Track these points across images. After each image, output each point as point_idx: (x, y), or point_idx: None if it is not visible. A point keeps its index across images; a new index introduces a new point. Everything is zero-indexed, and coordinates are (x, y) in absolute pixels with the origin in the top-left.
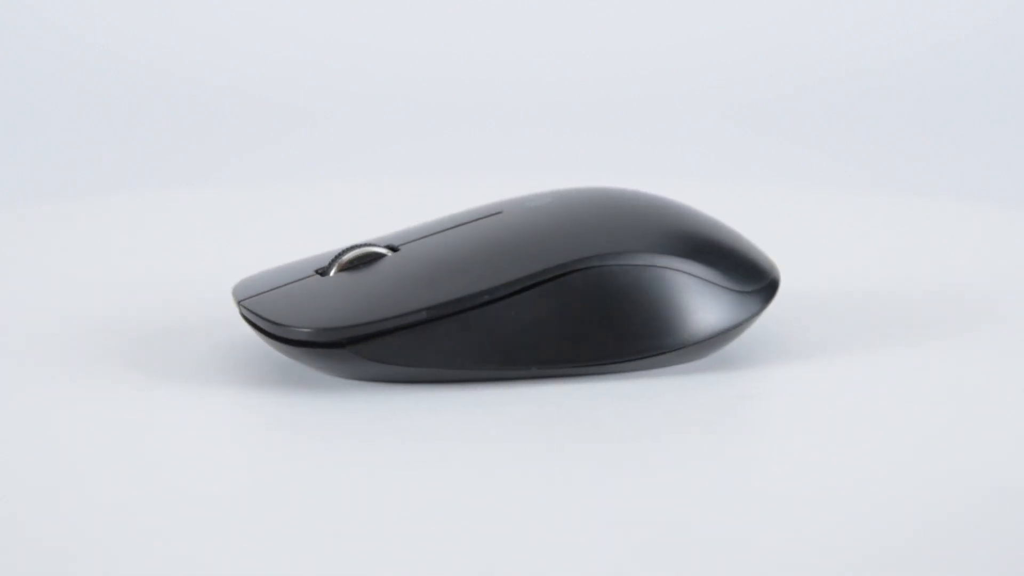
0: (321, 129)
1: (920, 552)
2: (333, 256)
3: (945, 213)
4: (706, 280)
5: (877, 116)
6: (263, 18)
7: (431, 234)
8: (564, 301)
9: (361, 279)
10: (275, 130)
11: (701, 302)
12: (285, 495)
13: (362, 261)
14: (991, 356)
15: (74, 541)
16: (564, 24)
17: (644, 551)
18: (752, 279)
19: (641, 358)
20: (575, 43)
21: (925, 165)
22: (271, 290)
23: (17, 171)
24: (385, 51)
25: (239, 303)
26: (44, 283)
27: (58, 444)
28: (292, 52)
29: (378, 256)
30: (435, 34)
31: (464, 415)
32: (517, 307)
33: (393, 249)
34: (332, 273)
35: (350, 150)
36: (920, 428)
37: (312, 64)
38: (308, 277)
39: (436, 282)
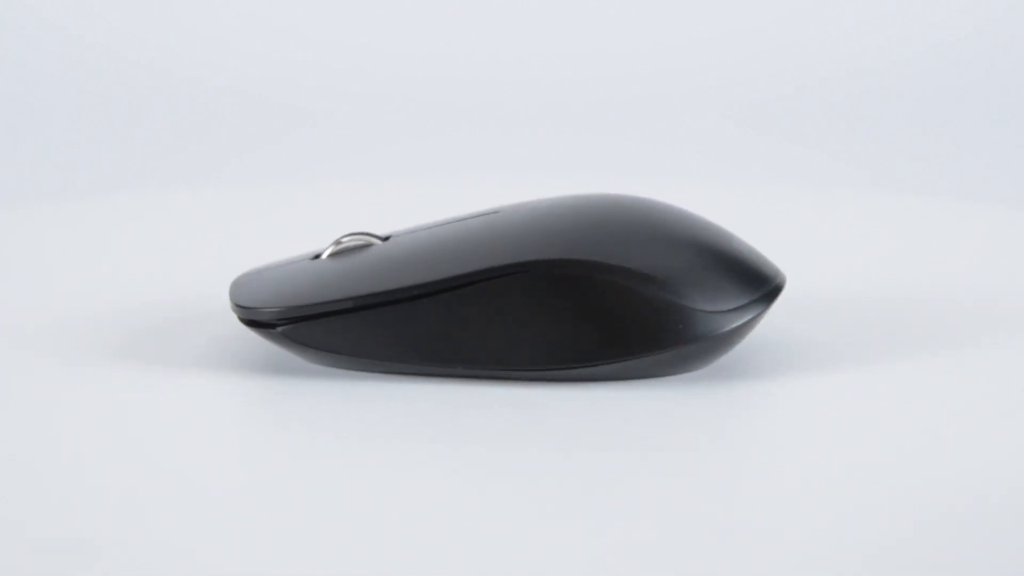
0: (321, 129)
1: (924, 559)
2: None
3: (945, 213)
4: (654, 296)
5: (877, 116)
6: (263, 18)
7: (425, 228)
8: (498, 303)
9: (331, 265)
10: (275, 130)
11: (645, 317)
12: (278, 484)
13: (353, 248)
14: (993, 359)
15: (71, 529)
16: (564, 24)
17: (633, 560)
18: (722, 299)
19: (568, 368)
20: (575, 43)
21: (925, 165)
22: (259, 272)
23: (17, 171)
24: (385, 51)
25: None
26: (42, 282)
27: (56, 433)
28: (292, 52)
29: (368, 244)
30: (435, 34)
31: (466, 412)
32: (448, 305)
33: (385, 239)
34: (323, 257)
35: (350, 150)
36: (923, 435)
37: (312, 64)
38: (300, 262)
39: (379, 273)
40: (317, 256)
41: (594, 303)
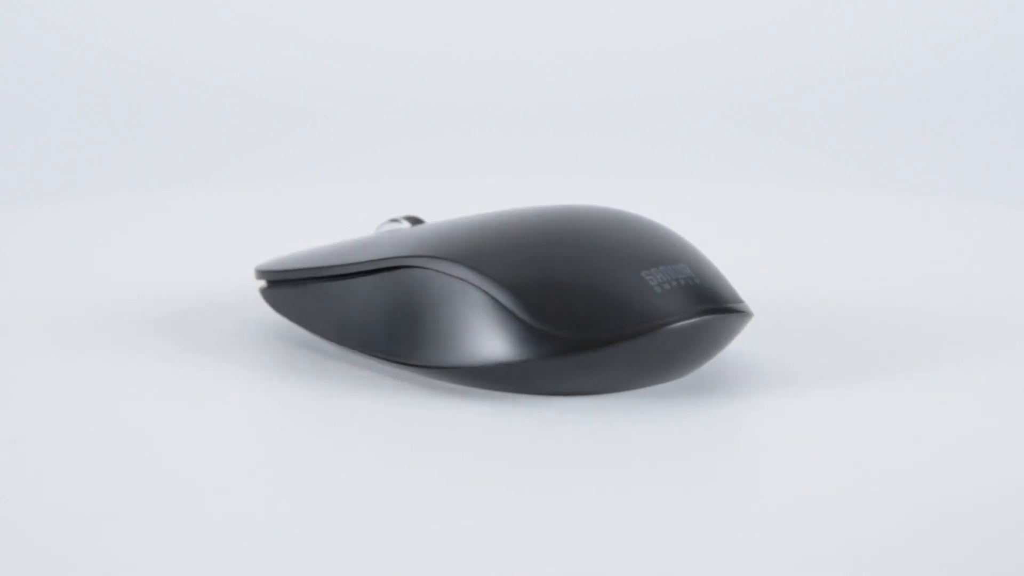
0: (321, 129)
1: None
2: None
3: (945, 213)
4: (503, 306)
5: (877, 116)
6: (263, 18)
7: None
8: (389, 293)
9: (332, 243)
10: (275, 130)
11: (488, 327)
12: (278, 481)
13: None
14: (992, 366)
15: (76, 522)
16: (564, 24)
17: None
18: (594, 323)
19: (426, 367)
20: (575, 43)
21: (925, 165)
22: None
23: (20, 171)
24: (385, 51)
25: None
26: (39, 281)
27: (55, 427)
28: (292, 52)
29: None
30: (435, 34)
31: (480, 419)
32: (356, 289)
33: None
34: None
35: (350, 150)
36: (920, 445)
37: (312, 64)
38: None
39: (337, 252)
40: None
41: (455, 305)
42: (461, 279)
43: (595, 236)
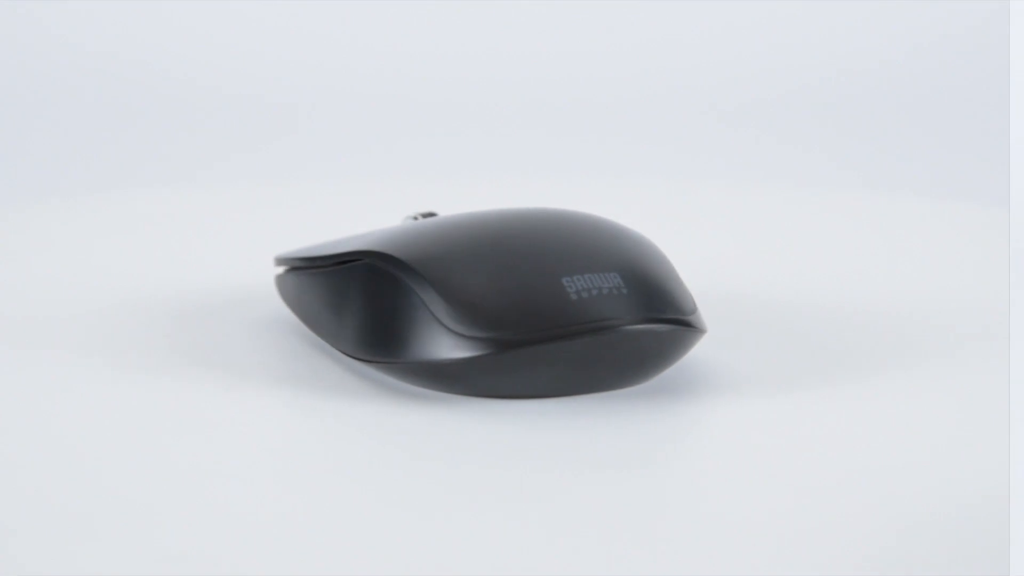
0: (320, 129)
1: None
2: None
3: (947, 213)
4: (427, 307)
5: (877, 116)
6: (263, 18)
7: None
8: (342, 286)
9: (349, 236)
10: (275, 131)
11: (415, 325)
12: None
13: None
14: (961, 368)
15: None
16: (564, 24)
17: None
18: (483, 325)
19: (365, 360)
20: (575, 43)
21: (925, 165)
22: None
23: (18, 171)
24: (385, 51)
25: None
26: (43, 281)
27: (54, 436)
28: (292, 52)
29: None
30: (435, 34)
31: (477, 424)
32: (326, 280)
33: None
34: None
35: (349, 150)
36: (878, 460)
37: (312, 64)
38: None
39: (334, 244)
40: None
41: (386, 300)
42: (392, 275)
43: (533, 240)
